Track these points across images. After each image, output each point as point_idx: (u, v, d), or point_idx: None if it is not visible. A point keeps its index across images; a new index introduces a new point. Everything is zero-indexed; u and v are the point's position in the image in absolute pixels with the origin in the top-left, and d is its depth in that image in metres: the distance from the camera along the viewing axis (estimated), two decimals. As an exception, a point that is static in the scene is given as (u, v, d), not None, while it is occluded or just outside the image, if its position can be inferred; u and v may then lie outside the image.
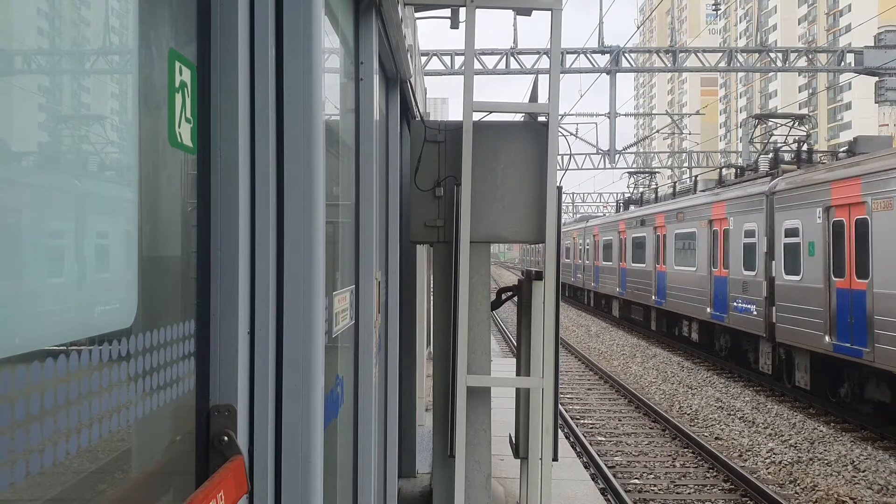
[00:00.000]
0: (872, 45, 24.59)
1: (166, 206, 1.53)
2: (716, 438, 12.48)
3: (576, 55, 24.51)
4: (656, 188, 29.76)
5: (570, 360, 21.24)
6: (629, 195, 36.80)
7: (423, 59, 21.59)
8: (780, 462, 11.08)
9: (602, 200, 69.64)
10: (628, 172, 39.92)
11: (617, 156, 30.97)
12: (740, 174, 20.97)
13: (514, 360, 8.42)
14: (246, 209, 1.69)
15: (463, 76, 5.23)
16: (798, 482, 10.14)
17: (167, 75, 1.43)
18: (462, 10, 5.25)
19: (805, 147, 18.68)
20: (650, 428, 13.36)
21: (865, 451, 11.54)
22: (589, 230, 37.42)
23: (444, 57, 23.35)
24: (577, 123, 40.12)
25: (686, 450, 11.82)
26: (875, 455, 11.36)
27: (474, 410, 5.42)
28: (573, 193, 72.31)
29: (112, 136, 1.31)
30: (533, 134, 5.50)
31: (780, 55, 25.26)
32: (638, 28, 32.43)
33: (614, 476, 10.17)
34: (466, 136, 5.12)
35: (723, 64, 25.18)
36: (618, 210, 36.00)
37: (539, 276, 5.46)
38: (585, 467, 9.68)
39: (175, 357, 1.44)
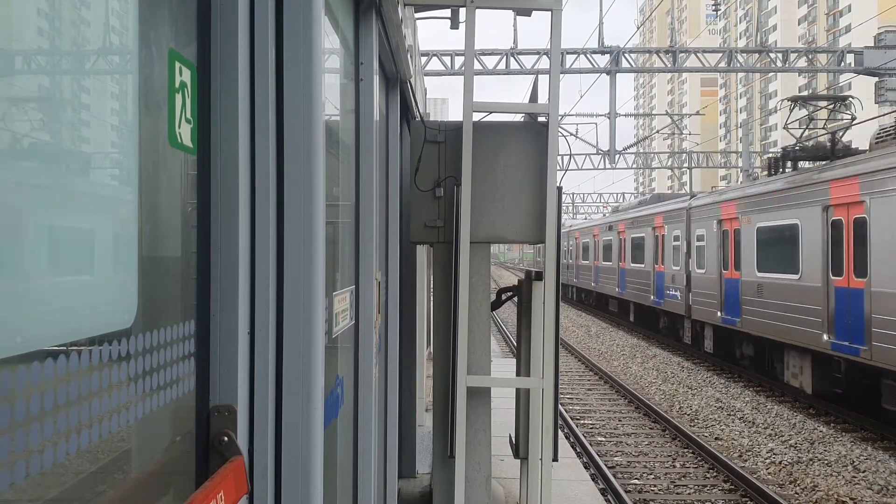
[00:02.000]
0: (872, 45, 24.58)
1: (166, 206, 1.53)
2: (716, 439, 12.48)
3: (576, 55, 24.50)
4: None
5: (570, 360, 21.24)
6: (793, 146, 17.32)
7: (423, 59, 21.60)
8: (780, 462, 11.08)
9: (602, 201, 69.71)
10: (789, 100, 18.78)
11: (617, 156, 30.94)
12: None
13: (514, 360, 8.42)
14: (246, 209, 1.69)
15: (463, 76, 5.23)
16: (798, 482, 10.14)
17: (167, 76, 1.43)
18: (462, 11, 5.25)
19: None
20: (650, 428, 13.36)
21: (865, 452, 11.54)
22: (705, 212, 20.23)
23: (444, 57, 23.34)
24: (577, 124, 40.05)
25: (686, 450, 11.82)
26: (875, 455, 11.36)
27: (474, 411, 5.42)
28: (573, 194, 72.36)
29: (112, 137, 1.31)
30: (533, 134, 5.50)
31: (780, 55, 25.26)
32: (638, 28, 32.42)
33: (614, 476, 10.17)
34: (466, 136, 5.12)
35: (723, 64, 25.17)
36: (772, 171, 17.82)
37: (539, 276, 5.46)
38: (585, 467, 9.68)
39: (175, 357, 1.44)
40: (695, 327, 21.48)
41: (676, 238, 22.75)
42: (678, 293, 22.35)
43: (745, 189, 18.57)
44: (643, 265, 26.42)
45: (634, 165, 47.15)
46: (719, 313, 18.96)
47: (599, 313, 36.36)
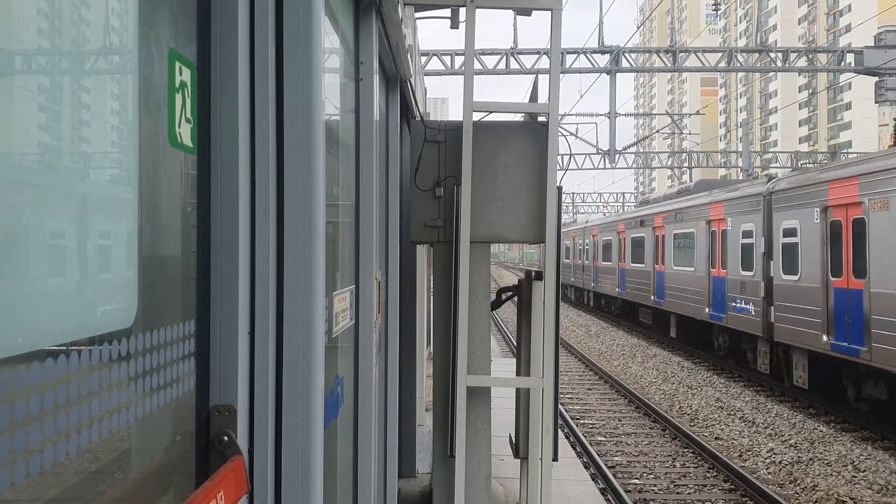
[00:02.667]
0: (872, 45, 24.59)
1: (166, 206, 1.53)
2: (716, 438, 12.48)
3: (576, 55, 24.51)
4: None
5: (570, 360, 21.24)
6: None
7: (423, 59, 21.60)
8: (780, 462, 11.08)
9: (602, 200, 69.76)
10: None
11: (617, 156, 30.95)
12: None
13: (515, 360, 8.43)
14: (246, 209, 1.69)
15: (463, 76, 5.22)
16: (798, 482, 10.14)
17: (167, 75, 1.43)
18: (462, 10, 5.25)
19: None
20: (650, 428, 13.36)
21: (865, 451, 11.54)
22: (799, 197, 15.01)
23: (444, 57, 23.35)
24: (577, 123, 39.81)
25: (686, 450, 11.82)
26: (875, 455, 11.36)
27: (474, 410, 5.42)
28: (573, 193, 72.43)
29: (112, 137, 1.31)
30: (533, 134, 5.50)
31: (780, 55, 25.27)
32: (638, 28, 32.42)
33: (614, 476, 10.17)
34: (466, 136, 5.11)
35: (723, 64, 25.18)
36: None
37: (539, 276, 5.46)
38: (585, 467, 9.68)
39: (175, 357, 1.44)
40: (776, 352, 15.97)
41: (747, 234, 17.15)
42: (750, 306, 16.79)
43: (877, 160, 12.75)
44: (692, 269, 20.78)
45: (634, 165, 47.15)
46: (825, 337, 13.62)
47: (600, 313, 36.18)
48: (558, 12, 5.09)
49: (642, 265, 26.34)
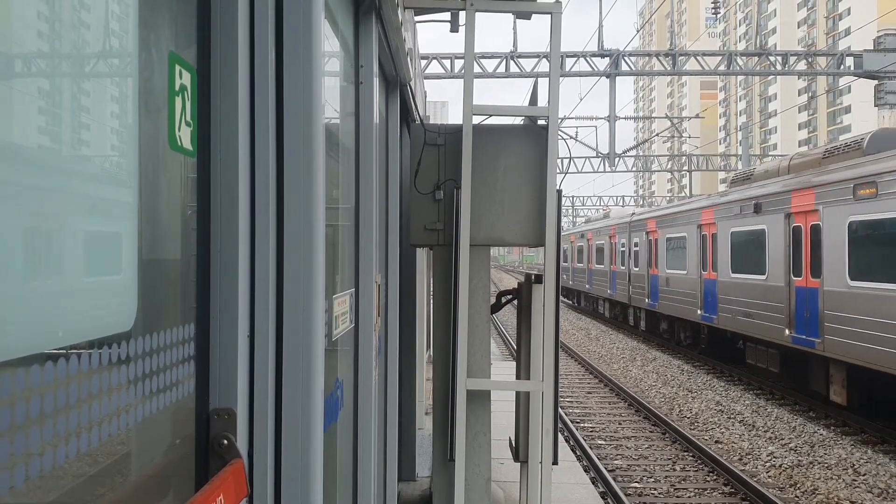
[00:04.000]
0: (872, 48, 24.62)
1: (166, 209, 1.53)
2: (716, 442, 12.47)
3: (575, 59, 24.53)
4: None
5: (569, 363, 21.22)
6: None
7: (423, 62, 21.61)
8: (780, 465, 11.06)
9: (602, 203, 69.85)
10: None
11: (617, 159, 30.95)
12: None
13: (514, 363, 8.43)
14: (246, 213, 1.69)
15: (463, 80, 5.23)
16: (798, 486, 10.13)
17: (167, 78, 1.43)
18: (462, 14, 5.26)
19: None
20: (650, 431, 13.35)
21: (866, 455, 11.53)
22: None
23: (443, 60, 23.36)
24: (577, 127, 39.93)
25: (686, 453, 11.80)
26: (875, 458, 11.35)
27: (474, 414, 5.41)
28: (573, 197, 72.47)
29: (112, 140, 1.31)
30: (533, 137, 5.50)
31: (779, 58, 25.29)
32: (637, 31, 32.46)
33: (614, 480, 10.15)
34: (466, 139, 5.12)
35: (722, 67, 25.20)
36: None
37: (539, 279, 5.45)
38: (585, 471, 9.67)
39: (175, 360, 1.44)
40: None
41: None
42: None
43: None
44: None
45: (634, 168, 47.16)
46: None
47: (599, 316, 35.99)
48: (558, 16, 5.10)
49: (760, 277, 16.33)
